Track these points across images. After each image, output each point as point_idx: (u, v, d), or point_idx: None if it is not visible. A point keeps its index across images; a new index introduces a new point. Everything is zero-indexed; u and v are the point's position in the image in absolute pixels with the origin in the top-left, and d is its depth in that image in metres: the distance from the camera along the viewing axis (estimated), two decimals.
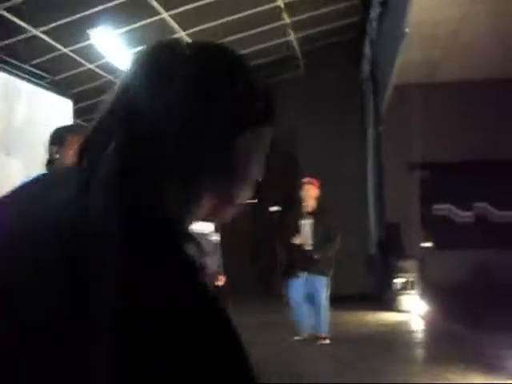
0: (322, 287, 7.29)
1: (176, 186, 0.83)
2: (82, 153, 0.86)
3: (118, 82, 0.89)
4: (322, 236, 7.21)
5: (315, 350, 6.80)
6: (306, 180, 7.47)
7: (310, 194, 7.31)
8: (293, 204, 7.73)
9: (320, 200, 7.41)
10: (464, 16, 6.99)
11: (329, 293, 7.34)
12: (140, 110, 0.82)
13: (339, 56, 10.95)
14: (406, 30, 5.69)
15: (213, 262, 6.34)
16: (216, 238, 6.59)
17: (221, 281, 6.52)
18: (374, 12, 8.27)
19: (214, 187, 0.88)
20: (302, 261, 7.16)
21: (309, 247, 7.19)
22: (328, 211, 7.48)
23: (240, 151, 0.88)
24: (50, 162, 3.41)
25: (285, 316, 7.61)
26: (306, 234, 7.21)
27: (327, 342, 7.14)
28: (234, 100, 0.86)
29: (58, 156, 3.41)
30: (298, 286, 7.27)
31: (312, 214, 7.31)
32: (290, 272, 7.37)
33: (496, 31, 7.89)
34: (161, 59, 0.88)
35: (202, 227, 6.24)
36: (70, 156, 3.38)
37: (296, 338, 7.25)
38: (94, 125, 0.87)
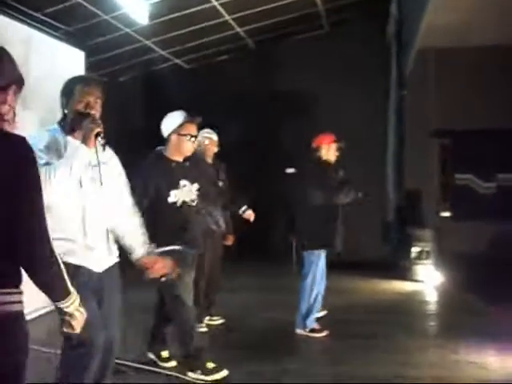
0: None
1: None
2: None
3: None
4: None
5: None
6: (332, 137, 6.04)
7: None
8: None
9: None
10: None
11: None
12: None
13: (365, 15, 10.57)
14: None
15: (222, 222, 6.17)
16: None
17: (230, 240, 6.49)
18: None
19: None
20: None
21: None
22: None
23: None
24: (65, 116, 3.21)
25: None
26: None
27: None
28: None
29: (66, 111, 3.19)
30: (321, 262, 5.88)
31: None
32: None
33: None
34: None
35: None
36: (78, 108, 3.15)
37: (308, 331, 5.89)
38: None
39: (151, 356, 4.89)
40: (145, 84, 11.68)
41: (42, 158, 2.88)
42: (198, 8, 8.81)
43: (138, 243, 3.37)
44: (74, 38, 8.50)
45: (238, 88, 11.45)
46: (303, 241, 5.93)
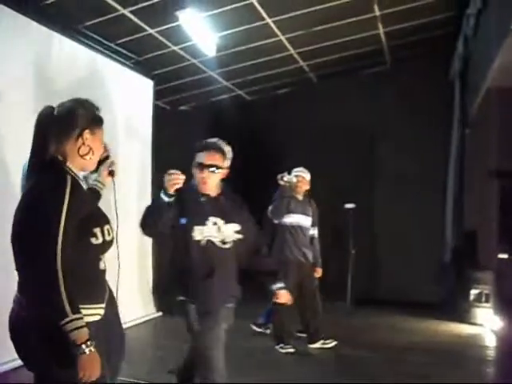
0: None
1: None
2: None
3: None
4: None
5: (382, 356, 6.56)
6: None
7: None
8: None
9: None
10: None
11: None
12: None
13: (428, 52, 10.51)
14: None
15: (310, 255, 6.65)
16: (313, 231, 6.75)
17: (318, 273, 6.77)
18: (474, 7, 7.82)
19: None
20: None
21: None
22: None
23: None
24: None
25: None
26: None
27: None
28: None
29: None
30: None
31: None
32: None
33: None
34: None
35: (300, 220, 6.59)
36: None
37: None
38: None
39: None
40: (206, 114, 11.87)
41: None
42: (265, 41, 8.95)
43: None
44: (143, 68, 8.76)
45: (298, 122, 11.52)
46: None
